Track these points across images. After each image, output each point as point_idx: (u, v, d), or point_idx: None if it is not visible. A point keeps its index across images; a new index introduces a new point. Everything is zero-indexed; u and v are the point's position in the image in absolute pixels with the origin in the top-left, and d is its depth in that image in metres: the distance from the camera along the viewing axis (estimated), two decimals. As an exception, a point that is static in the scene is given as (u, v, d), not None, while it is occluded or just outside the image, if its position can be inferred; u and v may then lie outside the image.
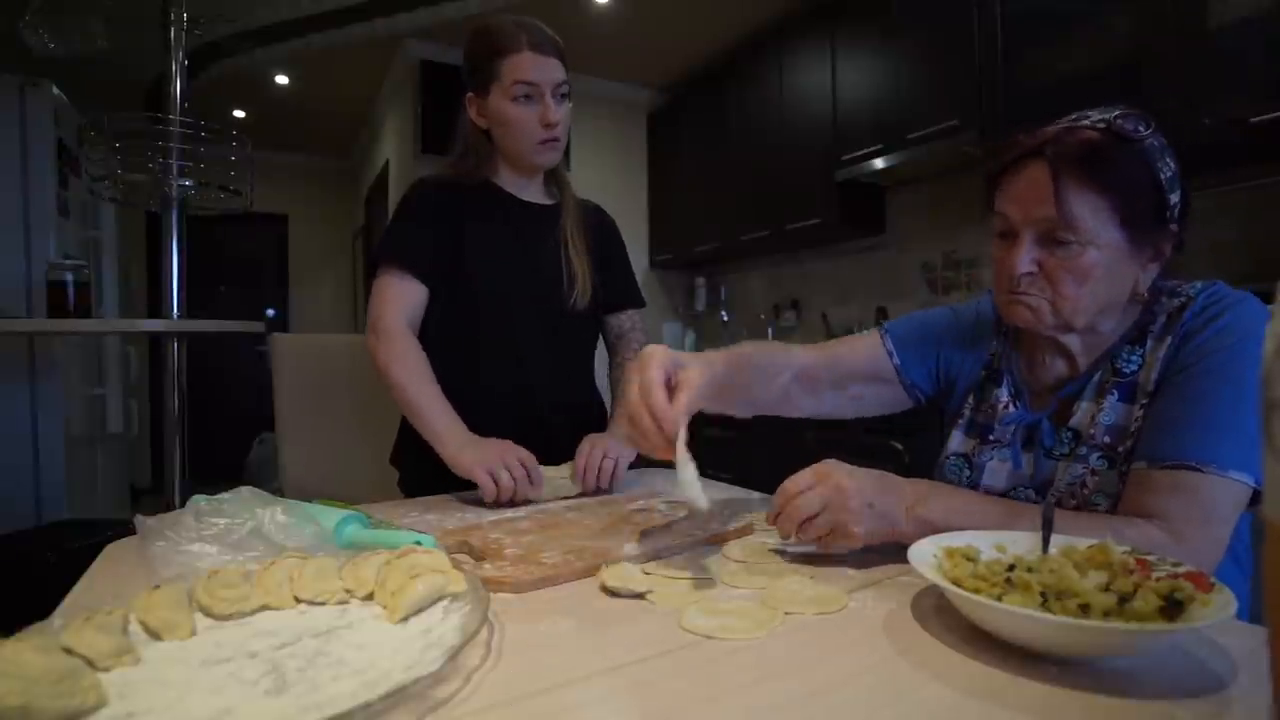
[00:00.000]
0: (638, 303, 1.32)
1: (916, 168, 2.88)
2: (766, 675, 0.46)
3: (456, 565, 0.58)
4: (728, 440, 3.09)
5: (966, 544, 0.60)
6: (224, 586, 0.54)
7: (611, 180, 4.30)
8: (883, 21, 2.83)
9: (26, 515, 2.38)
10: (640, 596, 0.61)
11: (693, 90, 4.12)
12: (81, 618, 0.46)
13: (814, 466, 0.71)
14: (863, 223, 3.23)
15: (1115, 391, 0.77)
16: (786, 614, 0.56)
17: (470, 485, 0.98)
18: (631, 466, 1.11)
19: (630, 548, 0.73)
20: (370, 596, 0.56)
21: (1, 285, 2.41)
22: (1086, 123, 0.74)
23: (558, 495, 1.03)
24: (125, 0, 2.18)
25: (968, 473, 0.88)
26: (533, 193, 1.24)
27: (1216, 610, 0.46)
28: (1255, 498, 0.68)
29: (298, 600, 0.56)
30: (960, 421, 0.91)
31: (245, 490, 0.72)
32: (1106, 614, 0.48)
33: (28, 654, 0.39)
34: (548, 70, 1.13)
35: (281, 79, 4.39)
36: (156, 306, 1.98)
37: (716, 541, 0.78)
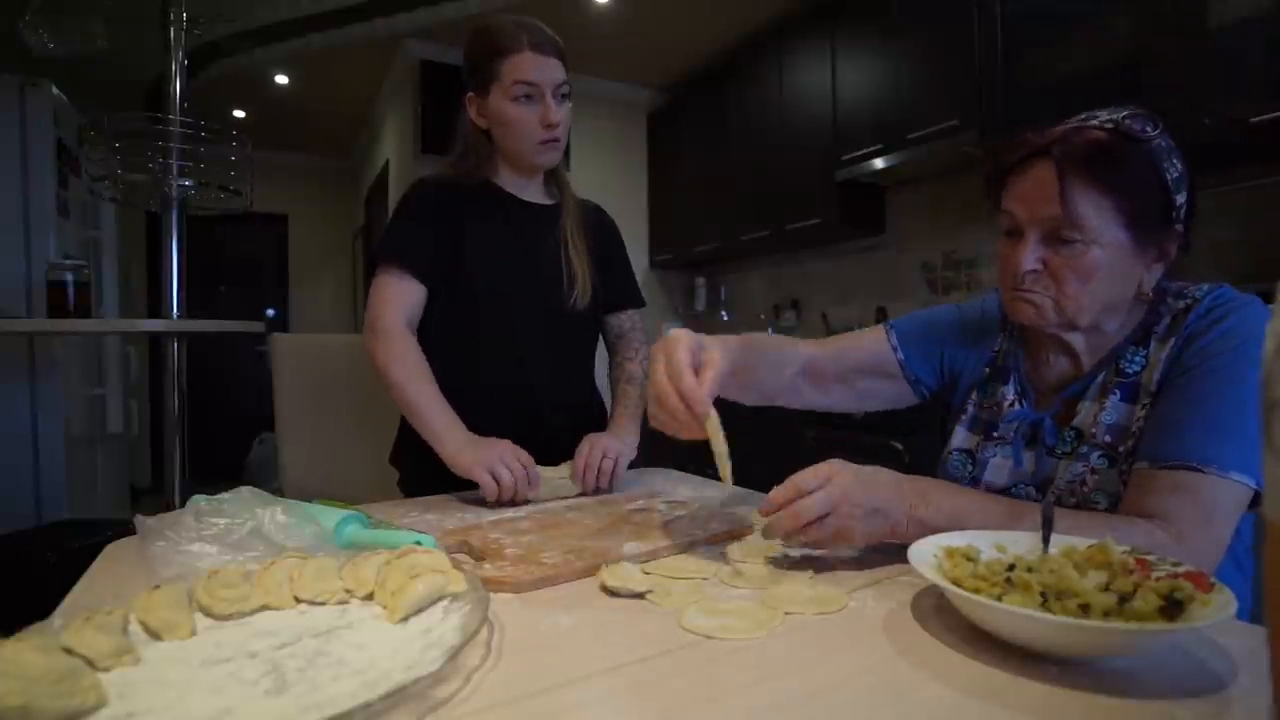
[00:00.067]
0: (638, 303, 1.33)
1: (916, 168, 2.88)
2: (766, 675, 0.47)
3: (456, 565, 0.58)
4: (727, 440, 3.08)
5: (966, 544, 0.60)
6: (224, 586, 0.55)
7: (611, 180, 4.30)
8: (883, 21, 2.83)
9: (26, 515, 2.38)
10: (640, 596, 0.61)
11: (693, 90, 4.11)
12: (81, 618, 0.46)
13: (822, 466, 0.69)
14: (863, 223, 3.23)
15: (1117, 391, 0.77)
16: (786, 614, 0.56)
17: (470, 485, 0.98)
18: (631, 466, 1.11)
19: (630, 547, 0.73)
20: (370, 596, 0.56)
21: (1, 285, 2.41)
22: (1095, 123, 0.74)
23: (557, 495, 1.03)
24: (125, 0, 2.18)
25: (971, 468, 0.88)
26: (533, 193, 1.24)
27: (1216, 610, 0.46)
28: (1255, 499, 0.68)
29: (298, 600, 0.56)
30: (964, 417, 0.92)
31: (245, 490, 0.72)
32: (1106, 614, 0.48)
33: (28, 654, 0.39)
34: (548, 70, 1.13)
35: (281, 79, 4.39)
36: (156, 306, 1.98)
37: (716, 541, 0.78)
